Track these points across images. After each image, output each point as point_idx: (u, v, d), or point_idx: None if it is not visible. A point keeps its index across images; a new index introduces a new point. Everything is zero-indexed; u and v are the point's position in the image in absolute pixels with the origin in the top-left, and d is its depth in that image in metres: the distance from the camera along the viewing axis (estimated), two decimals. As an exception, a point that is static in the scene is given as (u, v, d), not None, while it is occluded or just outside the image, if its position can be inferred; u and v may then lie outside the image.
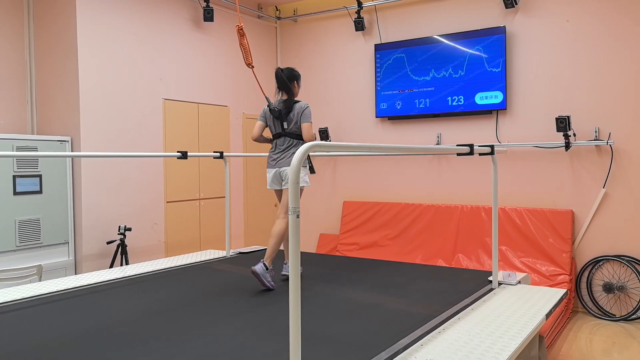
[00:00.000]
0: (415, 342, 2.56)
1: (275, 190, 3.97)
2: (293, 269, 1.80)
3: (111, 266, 5.17)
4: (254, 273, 3.56)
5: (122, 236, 5.15)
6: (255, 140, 4.01)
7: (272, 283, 3.65)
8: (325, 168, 7.21)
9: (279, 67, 3.91)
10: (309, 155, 3.92)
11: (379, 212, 6.63)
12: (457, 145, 3.15)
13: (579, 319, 5.31)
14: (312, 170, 3.96)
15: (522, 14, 5.77)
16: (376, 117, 6.66)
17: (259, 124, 3.98)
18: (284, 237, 3.83)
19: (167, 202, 5.91)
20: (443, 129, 6.30)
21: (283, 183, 3.87)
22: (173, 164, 5.99)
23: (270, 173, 3.90)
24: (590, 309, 5.43)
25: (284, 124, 3.86)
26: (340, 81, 7.05)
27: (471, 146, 3.16)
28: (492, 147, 3.51)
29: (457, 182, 6.25)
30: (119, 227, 5.15)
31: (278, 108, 3.86)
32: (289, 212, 1.77)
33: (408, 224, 6.38)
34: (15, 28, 5.31)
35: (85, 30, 5.13)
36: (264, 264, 3.62)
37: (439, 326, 2.82)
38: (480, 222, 5.95)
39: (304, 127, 3.78)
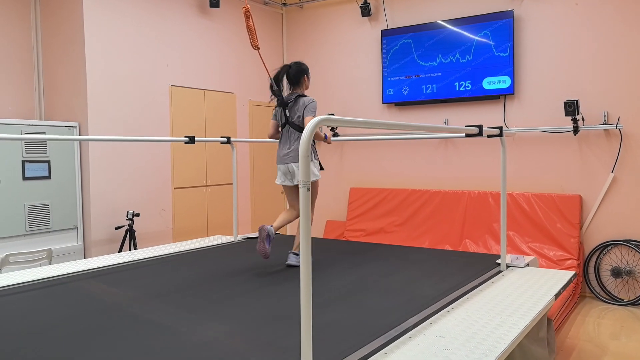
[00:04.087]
0: (425, 321, 2.57)
1: (284, 186, 3.96)
2: (304, 244, 1.81)
3: (120, 251, 5.20)
4: (262, 229, 3.51)
5: (130, 222, 5.17)
6: (271, 137, 4.05)
7: (269, 250, 3.54)
8: (332, 154, 7.20)
9: (287, 64, 3.90)
10: (314, 151, 3.86)
11: (386, 198, 6.62)
12: (466, 126, 3.14)
13: (587, 303, 5.31)
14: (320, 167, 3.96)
15: (531, -2, 5.71)
16: (383, 103, 6.64)
17: (272, 122, 4.01)
18: (292, 221, 3.85)
19: (175, 188, 5.93)
20: (450, 115, 6.28)
21: (295, 180, 3.85)
22: (180, 151, 6.00)
23: (281, 169, 3.89)
24: (598, 293, 5.42)
25: (286, 112, 3.84)
26: (347, 67, 7.02)
27: (480, 127, 3.15)
28: (500, 129, 3.49)
29: (464, 168, 6.23)
30: (127, 212, 5.17)
31: (277, 88, 3.82)
32: (300, 185, 1.77)
33: (415, 210, 6.38)
34: (22, 14, 5.31)
35: (92, 16, 5.13)
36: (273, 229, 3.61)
37: (447, 306, 2.83)
38: (488, 207, 5.93)
39: (307, 119, 3.75)
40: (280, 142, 3.92)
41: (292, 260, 3.86)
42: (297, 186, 3.93)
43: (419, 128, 2.52)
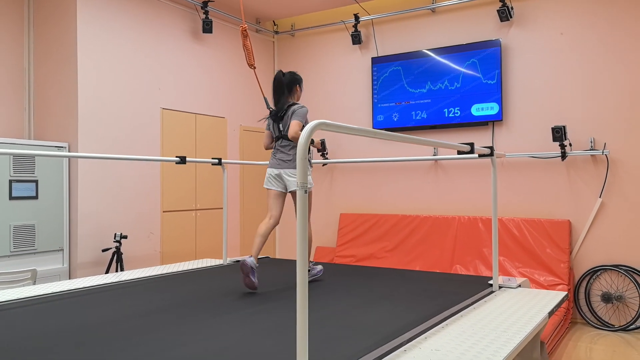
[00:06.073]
0: (420, 335, 2.53)
1: (269, 192, 3.90)
2: (300, 244, 1.79)
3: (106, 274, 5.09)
4: (244, 264, 3.45)
5: (117, 244, 5.09)
6: (267, 147, 4.03)
7: (256, 282, 3.54)
8: (322, 180, 7.21)
9: (281, 71, 3.92)
10: (309, 150, 3.89)
11: (376, 224, 6.61)
12: (459, 143, 3.17)
13: (578, 329, 5.28)
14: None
15: (517, 27, 5.87)
16: (373, 129, 6.69)
17: (266, 132, 4.00)
18: (268, 234, 3.78)
19: (164, 211, 5.87)
20: (440, 140, 6.33)
21: (286, 186, 3.83)
22: (170, 174, 5.97)
23: (273, 172, 3.86)
24: (589, 319, 5.40)
25: (279, 125, 3.86)
26: (337, 94, 7.10)
27: (472, 145, 3.18)
28: (491, 148, 3.54)
29: (455, 194, 6.26)
30: (115, 235, 5.10)
31: (272, 108, 3.88)
32: (297, 187, 1.76)
33: (405, 235, 6.36)
34: (15, 34, 5.33)
35: (85, 37, 5.16)
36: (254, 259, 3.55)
37: (441, 322, 2.79)
38: (478, 233, 5.94)
39: (292, 124, 3.68)
40: (275, 149, 3.92)
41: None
42: (282, 193, 3.88)
43: (412, 140, 2.54)
